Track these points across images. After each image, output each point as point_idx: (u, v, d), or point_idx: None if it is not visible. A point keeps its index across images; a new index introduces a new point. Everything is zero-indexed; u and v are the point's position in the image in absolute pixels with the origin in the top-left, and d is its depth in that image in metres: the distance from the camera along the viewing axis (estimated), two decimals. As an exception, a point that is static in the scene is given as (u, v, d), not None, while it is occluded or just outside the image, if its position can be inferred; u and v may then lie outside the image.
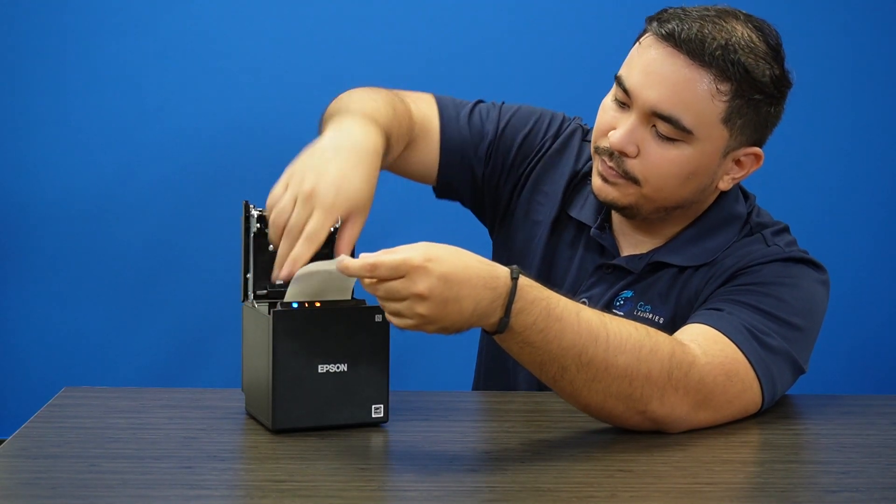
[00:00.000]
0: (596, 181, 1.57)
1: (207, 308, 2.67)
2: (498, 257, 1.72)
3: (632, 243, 1.63)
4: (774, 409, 1.49)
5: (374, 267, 1.25)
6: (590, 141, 1.68)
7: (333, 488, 1.16)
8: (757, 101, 1.50)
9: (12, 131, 2.64)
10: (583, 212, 1.66)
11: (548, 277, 1.65)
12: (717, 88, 1.47)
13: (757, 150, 1.55)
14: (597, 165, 1.57)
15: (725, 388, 1.39)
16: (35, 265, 2.66)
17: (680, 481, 1.20)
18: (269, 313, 1.32)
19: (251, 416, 1.41)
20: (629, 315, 1.57)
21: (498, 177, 1.72)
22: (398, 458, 1.31)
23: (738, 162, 1.55)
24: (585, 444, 1.33)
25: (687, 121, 1.48)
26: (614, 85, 1.54)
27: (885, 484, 1.21)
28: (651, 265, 1.59)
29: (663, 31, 1.49)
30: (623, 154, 1.52)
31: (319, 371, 1.33)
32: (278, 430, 1.33)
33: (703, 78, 1.47)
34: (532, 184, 1.71)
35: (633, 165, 1.52)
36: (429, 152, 1.71)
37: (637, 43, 1.54)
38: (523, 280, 1.29)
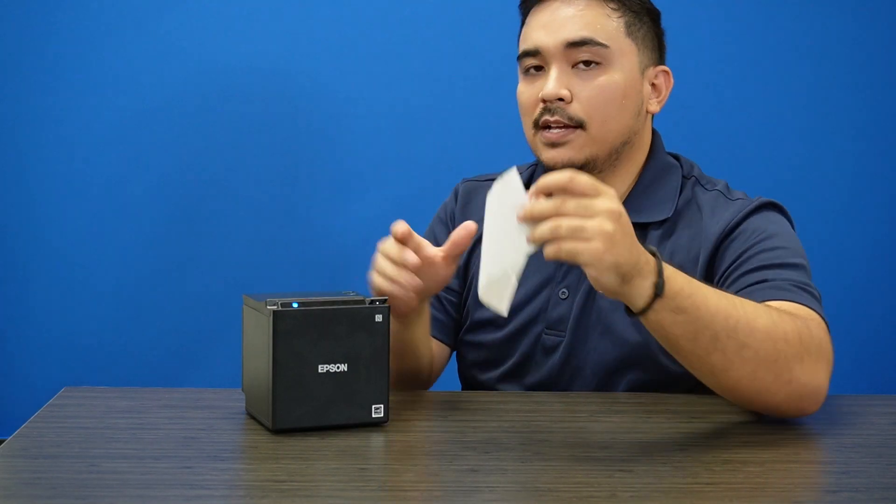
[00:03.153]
0: (548, 152, 1.64)
1: (207, 308, 2.67)
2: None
3: None
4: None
5: (571, 179, 1.24)
6: (484, 180, 1.79)
7: (333, 488, 1.16)
8: (642, 15, 1.66)
9: (12, 131, 2.64)
10: None
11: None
12: (608, 8, 1.63)
13: (663, 67, 1.70)
14: (540, 140, 1.64)
15: (829, 345, 1.43)
16: (35, 265, 2.66)
17: (680, 481, 1.20)
18: (270, 313, 1.32)
19: (251, 416, 1.41)
20: None
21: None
22: (398, 458, 1.31)
23: (654, 86, 1.68)
24: (585, 444, 1.33)
25: (600, 37, 1.62)
26: (520, 68, 1.67)
27: (885, 484, 1.21)
28: None
29: None
30: (560, 100, 1.61)
31: (319, 371, 1.33)
32: (278, 430, 1.33)
33: (593, 3, 1.63)
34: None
35: (573, 108, 1.61)
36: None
37: (524, 25, 1.68)
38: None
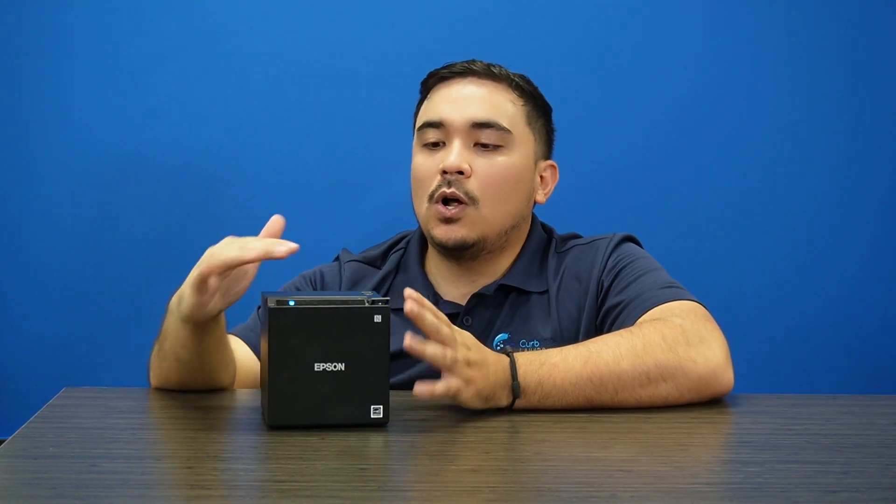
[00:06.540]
0: (440, 229, 1.68)
1: (207, 308, 2.66)
2: None
3: (465, 293, 1.73)
4: (774, 408, 1.50)
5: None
6: (350, 261, 1.82)
7: (333, 488, 1.16)
8: (539, 109, 1.75)
9: (13, 131, 2.63)
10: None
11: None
12: (513, 95, 1.72)
13: (551, 161, 1.78)
14: (434, 214, 1.68)
15: (704, 324, 1.51)
16: (35, 265, 2.66)
17: (680, 481, 1.20)
18: (267, 310, 1.32)
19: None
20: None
21: None
22: (398, 458, 1.31)
23: (542, 178, 1.76)
24: (585, 444, 1.33)
25: (504, 121, 1.69)
26: (417, 137, 1.73)
27: (885, 484, 1.21)
28: (501, 289, 1.72)
29: (453, 71, 1.73)
30: (460, 173, 1.66)
31: (315, 369, 1.33)
32: (274, 427, 1.33)
33: (500, 88, 1.72)
34: None
35: (471, 184, 1.67)
36: None
37: (426, 100, 1.76)
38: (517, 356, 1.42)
